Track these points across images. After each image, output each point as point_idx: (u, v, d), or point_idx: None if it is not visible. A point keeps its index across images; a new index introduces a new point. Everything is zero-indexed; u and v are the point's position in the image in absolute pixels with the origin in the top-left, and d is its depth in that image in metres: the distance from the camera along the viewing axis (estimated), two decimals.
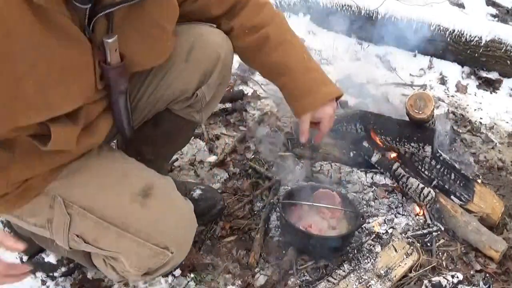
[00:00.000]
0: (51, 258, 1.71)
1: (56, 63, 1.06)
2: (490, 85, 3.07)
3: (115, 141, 1.88)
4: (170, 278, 1.73)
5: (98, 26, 1.13)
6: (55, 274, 1.72)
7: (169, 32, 1.32)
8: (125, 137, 1.46)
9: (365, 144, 2.12)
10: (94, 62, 1.16)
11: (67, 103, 1.13)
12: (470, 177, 2.11)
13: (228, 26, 1.51)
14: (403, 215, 2.00)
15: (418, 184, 1.99)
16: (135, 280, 1.64)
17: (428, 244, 1.90)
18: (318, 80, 1.55)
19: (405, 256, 1.81)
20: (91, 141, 1.30)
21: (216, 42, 1.49)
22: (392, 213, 2.00)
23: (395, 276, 1.74)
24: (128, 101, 1.34)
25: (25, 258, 1.72)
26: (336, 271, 1.75)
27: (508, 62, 3.03)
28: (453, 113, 2.78)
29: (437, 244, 1.91)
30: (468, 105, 2.89)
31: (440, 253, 1.88)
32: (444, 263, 1.85)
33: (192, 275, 1.75)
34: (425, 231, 1.94)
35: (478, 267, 1.84)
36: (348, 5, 3.29)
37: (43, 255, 1.71)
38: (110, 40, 1.15)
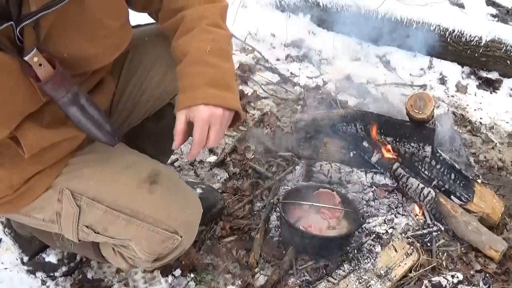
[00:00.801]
0: (51, 258, 1.71)
1: None
2: (490, 85, 3.07)
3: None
4: (170, 278, 1.73)
5: (28, 37, 1.06)
6: (55, 274, 1.72)
7: (117, 28, 1.22)
8: (103, 143, 1.29)
9: (365, 144, 2.12)
10: (29, 79, 1.10)
11: (10, 120, 1.10)
12: (470, 177, 2.11)
13: (159, 6, 1.38)
14: (403, 215, 2.00)
15: (418, 184, 1.99)
16: (146, 267, 1.64)
17: (428, 244, 1.90)
18: (212, 79, 1.23)
19: (405, 256, 1.81)
20: (68, 134, 1.25)
21: None
22: (392, 213, 2.00)
23: (395, 276, 1.74)
24: (89, 108, 1.20)
25: (25, 258, 1.72)
26: (336, 271, 1.75)
27: (508, 62, 3.03)
28: (453, 113, 2.78)
29: (437, 244, 1.91)
30: (468, 105, 2.89)
31: (440, 253, 1.88)
32: (444, 263, 1.85)
33: (192, 275, 1.75)
34: (425, 231, 1.94)
35: (478, 267, 1.84)
36: (348, 5, 3.29)
37: (43, 255, 1.71)
38: (27, 58, 1.06)
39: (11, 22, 0.99)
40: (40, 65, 1.08)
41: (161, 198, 1.32)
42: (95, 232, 1.33)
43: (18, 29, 1.02)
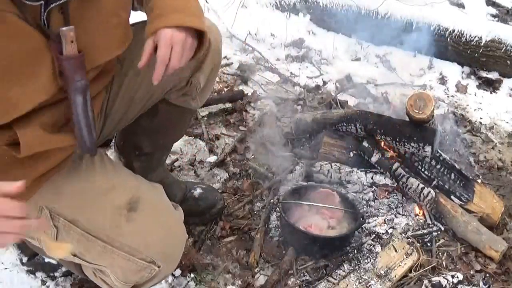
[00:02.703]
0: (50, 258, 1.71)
1: (8, 60, 1.04)
2: (490, 85, 3.07)
3: (113, 141, 1.88)
4: (170, 278, 1.73)
5: (54, 21, 1.10)
6: (55, 274, 1.72)
7: (125, 20, 1.28)
8: (83, 150, 1.27)
9: (365, 144, 2.12)
10: (52, 56, 1.12)
11: (26, 100, 1.10)
12: (470, 177, 2.11)
13: None
14: (403, 215, 2.00)
15: (418, 184, 1.99)
16: None
17: (428, 244, 1.90)
18: (177, 7, 1.29)
19: (405, 256, 1.81)
20: (64, 142, 1.24)
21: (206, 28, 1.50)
22: (392, 213, 2.00)
23: (395, 276, 1.74)
24: (89, 106, 1.22)
25: (24, 259, 1.71)
26: (336, 271, 1.75)
27: (508, 62, 3.03)
28: (453, 113, 2.78)
29: (437, 244, 1.91)
30: (468, 105, 2.89)
31: (440, 253, 1.88)
32: (444, 263, 1.86)
33: (192, 275, 1.75)
34: (425, 231, 1.94)
35: (478, 267, 1.84)
36: (348, 5, 3.29)
37: (43, 255, 1.71)
38: (65, 28, 1.10)
39: (41, 2, 1.02)
40: (72, 42, 1.12)
41: (138, 227, 1.27)
42: (72, 254, 1.30)
43: (46, 10, 1.06)
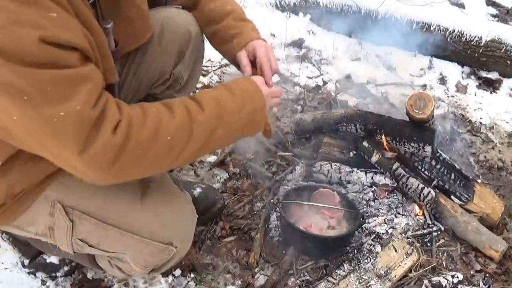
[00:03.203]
0: (52, 258, 1.70)
1: (97, 35, 1.08)
2: (490, 85, 3.07)
3: None
4: (170, 278, 1.73)
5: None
6: (55, 274, 1.72)
7: (146, 12, 1.37)
8: None
9: (365, 144, 2.12)
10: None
11: (112, 76, 1.18)
12: (470, 177, 2.11)
13: None
14: (403, 215, 2.00)
15: (418, 184, 1.99)
16: (142, 276, 1.64)
17: (428, 244, 1.90)
18: (253, 27, 1.54)
19: (405, 256, 1.81)
20: None
21: (185, 21, 1.56)
22: (392, 213, 2.00)
23: (395, 276, 1.74)
24: (120, 88, 1.36)
25: (26, 261, 1.72)
26: (336, 271, 1.75)
27: (508, 62, 3.03)
28: (453, 113, 2.78)
29: (437, 244, 1.91)
30: (468, 105, 2.89)
31: (440, 253, 1.89)
32: (444, 263, 1.86)
33: (192, 275, 1.75)
34: (425, 231, 1.94)
35: (478, 267, 1.84)
36: (348, 5, 3.29)
37: (44, 255, 1.71)
38: (109, 26, 1.19)
39: None
40: (111, 35, 1.21)
41: (153, 210, 1.30)
42: (88, 245, 1.32)
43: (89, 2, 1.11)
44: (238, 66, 1.54)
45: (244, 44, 1.48)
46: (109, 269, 1.47)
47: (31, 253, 1.71)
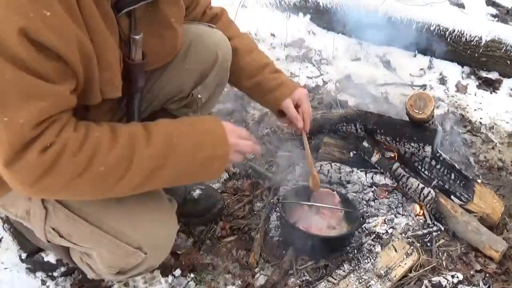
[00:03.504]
0: (50, 258, 1.70)
1: (106, 48, 1.08)
2: (490, 85, 3.07)
3: None
4: (170, 278, 1.73)
5: (121, 22, 1.15)
6: (55, 274, 1.72)
7: (178, 33, 1.35)
8: None
9: (365, 144, 2.12)
10: (120, 56, 1.17)
11: (114, 91, 1.17)
12: (470, 177, 2.11)
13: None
14: (403, 215, 2.00)
15: (418, 184, 1.99)
16: (109, 279, 1.61)
17: (428, 244, 1.90)
18: (285, 77, 1.67)
19: (405, 256, 1.81)
20: None
21: (214, 42, 1.51)
22: (392, 213, 2.00)
23: (395, 276, 1.74)
24: (142, 99, 1.36)
25: (23, 255, 1.71)
26: (336, 271, 1.75)
27: (508, 62, 3.03)
28: (453, 113, 2.78)
29: (437, 244, 1.91)
30: (468, 105, 2.89)
31: (440, 253, 1.88)
32: (444, 263, 1.85)
33: (192, 275, 1.75)
34: (425, 231, 1.94)
35: (478, 267, 1.84)
36: (348, 5, 3.30)
37: (42, 254, 1.71)
38: (137, 37, 1.19)
39: None
40: (140, 47, 1.21)
41: (127, 211, 1.26)
42: (59, 236, 1.31)
43: (120, 14, 1.12)
44: (278, 113, 1.66)
45: (289, 93, 1.59)
46: (80, 265, 1.45)
47: (30, 248, 1.70)
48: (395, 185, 2.07)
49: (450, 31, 3.10)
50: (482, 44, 3.05)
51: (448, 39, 3.11)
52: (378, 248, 1.83)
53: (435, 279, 1.73)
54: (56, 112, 1.00)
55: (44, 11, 0.91)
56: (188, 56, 1.48)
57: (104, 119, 1.30)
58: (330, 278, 1.71)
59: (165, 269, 1.75)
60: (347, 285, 1.69)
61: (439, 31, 3.13)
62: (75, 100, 1.06)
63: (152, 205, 1.31)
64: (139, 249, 1.28)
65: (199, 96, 1.54)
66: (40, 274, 1.72)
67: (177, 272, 1.74)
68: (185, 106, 1.57)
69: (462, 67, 3.17)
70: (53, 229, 1.30)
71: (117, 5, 1.12)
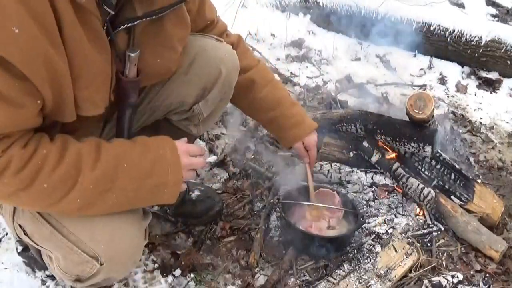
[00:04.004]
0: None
1: (87, 66, 1.06)
2: (490, 85, 3.07)
3: None
4: (170, 278, 1.73)
5: (119, 40, 1.14)
6: (45, 271, 1.71)
7: (178, 53, 1.34)
8: None
9: (365, 144, 2.12)
10: (112, 72, 1.16)
11: (90, 109, 1.14)
12: (470, 177, 2.11)
13: None
14: (403, 215, 2.00)
15: (418, 184, 1.99)
16: (69, 284, 1.55)
17: (428, 244, 1.90)
18: (302, 112, 1.79)
19: (405, 256, 1.81)
20: None
21: (219, 58, 1.47)
22: (392, 213, 2.00)
23: (395, 276, 1.74)
24: (133, 114, 1.33)
25: (19, 248, 1.70)
26: (336, 271, 1.74)
27: (508, 62, 3.03)
28: (453, 113, 2.78)
29: (437, 244, 1.91)
30: (468, 105, 2.89)
31: (440, 253, 1.88)
32: (444, 263, 1.85)
33: (192, 275, 1.75)
34: (425, 231, 1.94)
35: (478, 267, 1.84)
36: (348, 5, 3.30)
37: None
38: (133, 54, 1.18)
39: (113, 13, 1.08)
40: (135, 65, 1.20)
41: (91, 218, 1.21)
42: (24, 234, 1.30)
43: (117, 30, 1.11)
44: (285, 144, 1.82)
45: (299, 138, 1.76)
46: (49, 267, 1.44)
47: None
48: (395, 185, 2.07)
49: (450, 31, 3.11)
50: (482, 44, 3.05)
51: (448, 39, 3.12)
52: (378, 248, 1.83)
53: (435, 279, 1.73)
54: (12, 131, 1.01)
55: (14, 27, 0.90)
56: (191, 69, 1.45)
57: (95, 131, 1.32)
58: (330, 278, 1.71)
59: (165, 269, 1.75)
60: (347, 285, 1.68)
61: (439, 31, 3.13)
62: (39, 120, 1.07)
63: (118, 216, 1.24)
64: (95, 258, 1.24)
65: (201, 111, 1.52)
66: (40, 274, 1.72)
67: (177, 272, 1.74)
68: (186, 119, 1.56)
69: (462, 67, 3.18)
70: (20, 226, 1.30)
71: (115, 20, 1.11)
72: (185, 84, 1.46)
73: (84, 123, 1.20)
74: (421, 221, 1.98)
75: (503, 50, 3.02)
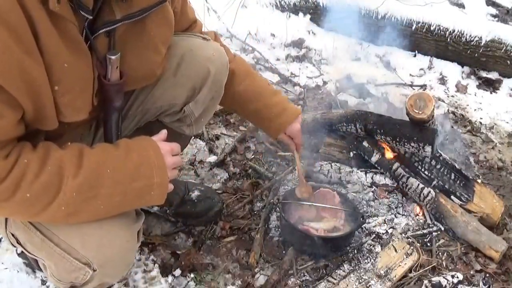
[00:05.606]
0: None
1: (67, 72, 1.05)
2: (490, 85, 3.07)
3: None
4: (170, 278, 1.73)
5: (99, 43, 1.13)
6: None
7: (162, 55, 1.33)
8: None
9: (365, 144, 2.12)
10: (94, 76, 1.15)
11: (73, 115, 1.13)
12: (470, 177, 2.11)
13: None
14: (403, 215, 2.00)
15: (418, 184, 1.99)
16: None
17: (428, 244, 1.90)
18: (284, 100, 1.77)
19: (405, 256, 1.81)
20: None
21: (206, 57, 1.46)
22: (392, 213, 2.00)
23: (395, 276, 1.74)
24: (120, 117, 1.32)
25: (19, 250, 1.70)
26: (336, 271, 1.75)
27: (508, 62, 3.03)
28: (453, 113, 2.78)
29: (437, 244, 1.91)
30: (468, 105, 2.89)
31: (440, 253, 1.88)
32: (444, 263, 1.85)
33: (192, 275, 1.75)
34: (425, 231, 1.94)
35: (478, 267, 1.84)
36: (348, 5, 3.30)
37: None
38: (113, 57, 1.16)
39: (91, 17, 1.07)
40: (116, 67, 1.18)
41: (79, 226, 1.19)
42: (17, 242, 1.30)
43: (96, 33, 1.10)
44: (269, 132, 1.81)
45: (285, 126, 1.74)
46: (45, 273, 1.42)
47: None
48: (395, 185, 2.07)
49: (450, 31, 3.11)
50: (482, 44, 3.05)
51: (448, 39, 3.12)
52: (378, 248, 1.83)
53: (435, 279, 1.73)
54: None
55: None
56: (179, 71, 1.45)
57: (86, 137, 1.32)
58: (330, 278, 1.71)
59: (165, 269, 1.75)
60: (347, 285, 1.68)
61: (439, 31, 3.13)
62: (21, 129, 1.06)
63: (108, 221, 1.22)
64: (87, 265, 1.23)
65: (192, 111, 1.52)
66: (40, 274, 1.72)
67: (177, 272, 1.75)
68: (178, 120, 1.55)
69: (462, 67, 3.17)
70: (13, 235, 1.29)
71: (95, 24, 1.10)
72: (174, 86, 1.46)
73: (70, 129, 1.20)
74: (421, 221, 1.98)
75: (503, 50, 3.02)
